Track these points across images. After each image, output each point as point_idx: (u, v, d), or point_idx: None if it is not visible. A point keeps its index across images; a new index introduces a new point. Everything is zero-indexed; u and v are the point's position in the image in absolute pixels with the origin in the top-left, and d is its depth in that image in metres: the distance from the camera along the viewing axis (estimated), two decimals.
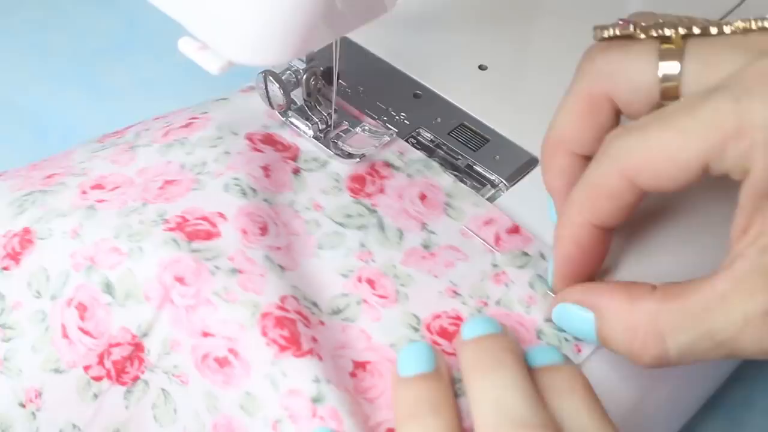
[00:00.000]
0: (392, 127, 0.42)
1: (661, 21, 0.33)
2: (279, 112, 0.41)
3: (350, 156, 0.40)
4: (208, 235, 0.36)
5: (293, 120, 0.41)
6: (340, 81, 0.42)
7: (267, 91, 0.40)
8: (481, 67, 0.45)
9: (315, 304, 0.35)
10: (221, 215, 0.36)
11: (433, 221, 0.38)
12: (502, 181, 0.40)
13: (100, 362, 0.35)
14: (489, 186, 0.40)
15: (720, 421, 0.45)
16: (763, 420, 0.46)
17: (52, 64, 0.58)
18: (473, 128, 0.42)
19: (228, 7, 0.30)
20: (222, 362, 0.33)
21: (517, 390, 0.31)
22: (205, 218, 0.36)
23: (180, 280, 0.34)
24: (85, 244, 0.36)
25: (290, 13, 0.30)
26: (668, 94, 0.32)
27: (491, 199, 0.40)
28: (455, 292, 0.36)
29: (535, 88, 0.45)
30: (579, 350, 0.35)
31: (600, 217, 0.33)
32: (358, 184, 0.39)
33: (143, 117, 0.44)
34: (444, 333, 0.35)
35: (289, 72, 0.40)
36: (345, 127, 0.41)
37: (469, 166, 0.41)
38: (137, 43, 0.60)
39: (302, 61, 0.40)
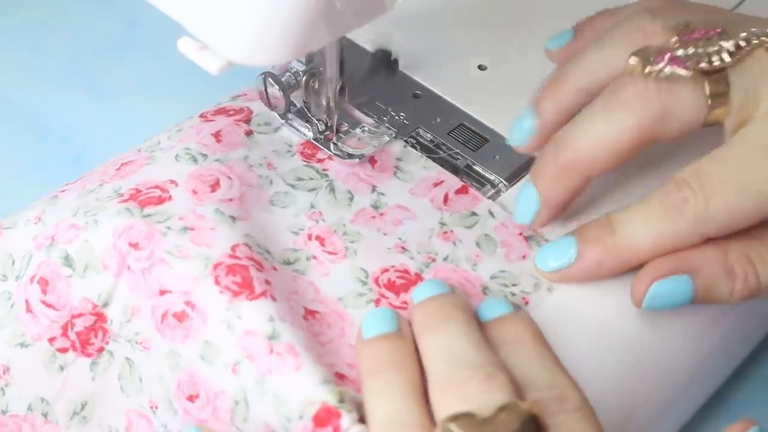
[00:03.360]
0: (392, 127, 0.42)
1: (697, 37, 0.35)
2: (278, 114, 0.41)
3: (350, 156, 0.40)
4: (160, 200, 0.37)
5: (293, 122, 0.41)
6: (339, 81, 0.42)
7: (266, 93, 0.40)
8: (481, 67, 0.45)
9: (268, 252, 0.36)
10: (172, 182, 0.37)
11: (383, 184, 0.39)
12: (501, 181, 0.40)
13: (64, 334, 0.36)
14: (489, 186, 0.40)
15: (720, 421, 0.45)
16: (763, 420, 0.46)
17: (52, 64, 0.58)
18: (473, 128, 0.42)
19: (227, 7, 0.30)
20: (180, 317, 0.34)
21: (466, 338, 0.32)
22: (156, 186, 0.37)
23: (134, 245, 0.35)
24: (47, 226, 0.37)
25: (290, 13, 0.30)
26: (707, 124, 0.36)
27: (491, 200, 0.40)
28: (403, 248, 0.37)
29: (535, 88, 0.45)
30: (527, 302, 0.36)
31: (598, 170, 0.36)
32: (309, 150, 0.40)
33: (143, 117, 0.44)
34: (391, 286, 0.36)
35: (288, 74, 0.40)
36: (345, 128, 0.41)
37: (469, 166, 0.41)
38: (137, 43, 0.60)
39: (301, 62, 0.40)
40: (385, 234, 0.38)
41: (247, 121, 0.41)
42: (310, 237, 0.37)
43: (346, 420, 0.31)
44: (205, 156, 0.38)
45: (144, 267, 0.35)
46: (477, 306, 0.35)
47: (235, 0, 0.30)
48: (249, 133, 0.40)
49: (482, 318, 0.34)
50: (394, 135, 0.41)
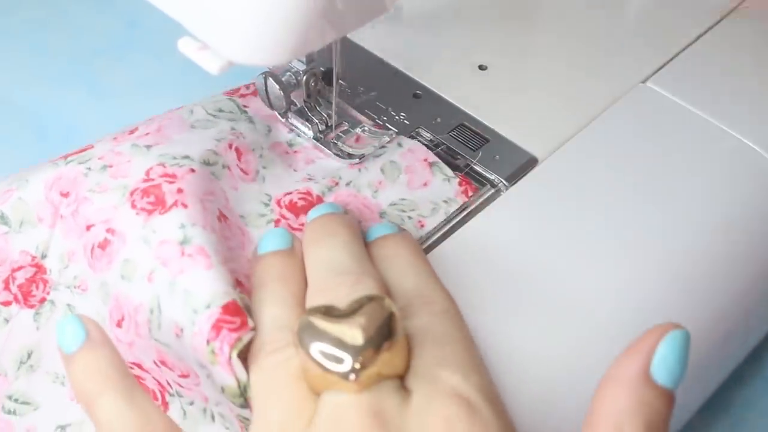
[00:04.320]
0: (392, 127, 0.42)
1: None
2: (279, 113, 0.41)
3: (350, 156, 0.40)
4: (82, 150, 0.38)
5: (293, 121, 0.41)
6: (340, 81, 0.42)
7: (267, 93, 0.40)
8: (481, 67, 0.45)
9: (187, 157, 0.37)
10: (97, 140, 0.39)
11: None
12: (501, 181, 0.40)
13: (6, 288, 0.37)
14: (489, 186, 0.40)
15: (720, 421, 0.45)
16: (763, 420, 0.46)
17: (52, 64, 0.59)
18: (473, 128, 0.42)
19: (228, 7, 0.30)
20: (103, 245, 0.35)
21: (346, 250, 0.34)
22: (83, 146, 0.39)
23: (65, 195, 0.37)
24: None
25: (290, 12, 0.30)
26: None
27: (491, 199, 0.40)
28: (310, 179, 0.39)
29: (535, 88, 0.45)
30: (422, 225, 0.38)
31: None
32: (231, 88, 0.42)
33: (143, 117, 0.44)
34: (293, 207, 0.38)
35: (289, 73, 0.40)
36: (345, 128, 0.41)
37: (469, 166, 0.41)
38: (137, 43, 0.60)
39: (302, 62, 0.40)
40: (296, 170, 0.39)
41: None
42: (230, 146, 0.38)
43: (250, 321, 0.32)
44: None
45: (72, 210, 0.37)
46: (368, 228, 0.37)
47: (235, 0, 0.30)
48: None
49: (368, 239, 0.36)
50: (394, 135, 0.41)
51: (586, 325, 0.36)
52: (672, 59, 0.46)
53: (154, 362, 0.35)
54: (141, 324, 0.34)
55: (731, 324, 0.40)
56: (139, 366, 0.35)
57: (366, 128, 0.41)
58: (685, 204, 0.40)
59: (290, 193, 0.38)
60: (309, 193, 0.38)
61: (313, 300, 0.32)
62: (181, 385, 0.35)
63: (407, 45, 0.46)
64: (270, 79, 0.39)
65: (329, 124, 0.41)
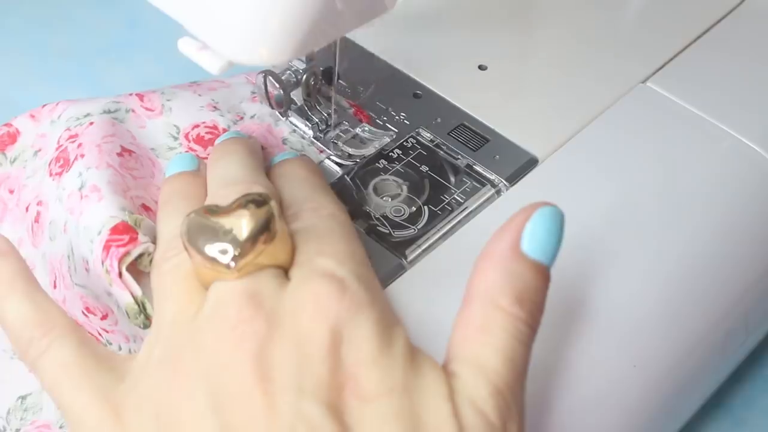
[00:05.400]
0: (392, 127, 0.42)
1: None
2: (279, 112, 0.41)
3: (350, 156, 0.40)
4: (12, 138, 0.41)
5: (293, 120, 0.41)
6: (340, 81, 0.42)
7: (267, 91, 0.40)
8: (481, 67, 0.45)
9: (88, 114, 0.39)
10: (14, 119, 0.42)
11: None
12: (502, 181, 0.40)
13: None
14: (489, 186, 0.40)
15: (720, 420, 0.45)
16: (763, 419, 0.46)
17: (52, 63, 0.59)
18: (473, 128, 0.42)
19: (228, 7, 0.30)
20: (36, 218, 0.38)
21: (241, 164, 0.35)
22: (6, 125, 0.42)
23: (12, 191, 0.40)
24: None
25: (290, 13, 0.30)
26: None
27: (491, 200, 0.40)
28: (215, 107, 0.40)
29: (535, 88, 0.45)
30: (321, 151, 0.40)
31: None
32: None
33: None
34: (200, 140, 0.39)
35: (289, 72, 0.40)
36: (345, 128, 0.41)
37: (469, 166, 0.41)
38: (137, 43, 0.60)
39: (302, 61, 0.40)
40: (200, 95, 0.41)
41: None
42: (131, 94, 0.41)
43: (142, 237, 0.34)
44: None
45: (17, 200, 0.40)
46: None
47: (235, 0, 0.30)
48: None
49: (272, 164, 0.38)
50: (394, 135, 0.41)
51: (584, 324, 0.36)
52: (672, 59, 0.47)
53: (83, 312, 0.36)
54: (65, 275, 0.36)
55: (731, 324, 0.40)
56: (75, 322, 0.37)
57: (366, 128, 0.42)
58: (684, 204, 0.40)
59: (197, 126, 0.40)
60: (215, 127, 0.40)
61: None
62: (106, 330, 0.37)
63: (407, 45, 0.46)
64: (270, 78, 0.39)
65: (329, 123, 0.41)
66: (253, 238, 0.29)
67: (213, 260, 0.29)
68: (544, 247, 0.30)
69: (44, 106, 0.41)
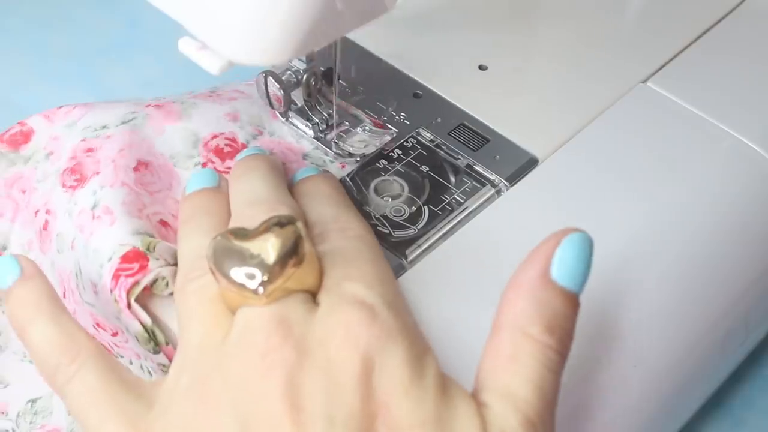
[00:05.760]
0: (392, 127, 0.42)
1: None
2: (279, 113, 0.41)
3: (351, 156, 0.40)
4: (26, 137, 0.41)
5: (294, 120, 0.41)
6: (340, 81, 0.42)
7: (267, 92, 0.40)
8: (481, 67, 0.45)
9: (105, 126, 0.39)
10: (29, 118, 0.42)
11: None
12: (502, 181, 0.40)
13: None
14: (489, 186, 0.40)
15: (720, 420, 0.45)
16: (763, 419, 0.46)
17: (52, 63, 0.59)
18: (473, 128, 0.42)
19: (228, 7, 0.30)
20: (45, 226, 0.38)
21: (264, 182, 0.35)
22: (19, 123, 0.41)
23: (24, 191, 0.40)
24: None
25: (290, 13, 0.30)
26: None
27: (491, 200, 0.40)
28: (235, 118, 0.40)
29: (535, 88, 0.45)
30: (343, 167, 0.40)
31: None
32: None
33: None
34: (219, 152, 0.39)
35: (289, 72, 0.40)
36: (345, 127, 0.41)
37: (469, 166, 0.41)
38: (137, 43, 0.60)
39: (302, 61, 0.40)
40: (220, 105, 0.41)
41: None
42: (148, 105, 0.40)
43: (153, 263, 0.34)
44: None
45: (26, 201, 0.40)
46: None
47: (235, 0, 0.30)
48: None
49: (294, 181, 0.38)
50: (394, 135, 0.41)
51: (584, 324, 0.36)
52: (672, 59, 0.46)
53: (93, 327, 0.36)
54: (74, 290, 0.36)
55: (731, 324, 0.40)
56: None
57: (366, 128, 0.42)
58: (684, 204, 0.40)
59: (217, 137, 0.39)
60: (234, 140, 0.39)
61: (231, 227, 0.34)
62: (117, 345, 0.36)
63: (407, 45, 0.46)
64: (270, 78, 0.39)
65: (330, 124, 0.41)
66: (282, 262, 0.29)
67: (240, 286, 0.29)
68: (574, 274, 0.30)
69: (60, 107, 0.41)
